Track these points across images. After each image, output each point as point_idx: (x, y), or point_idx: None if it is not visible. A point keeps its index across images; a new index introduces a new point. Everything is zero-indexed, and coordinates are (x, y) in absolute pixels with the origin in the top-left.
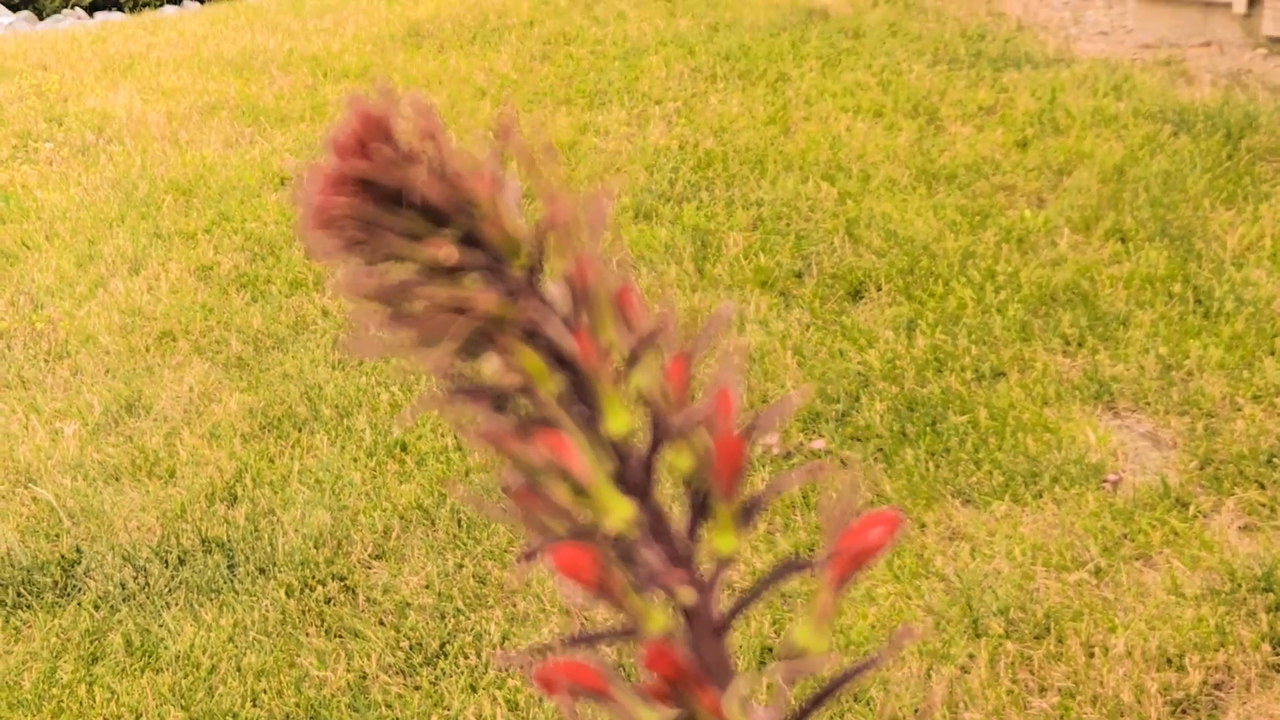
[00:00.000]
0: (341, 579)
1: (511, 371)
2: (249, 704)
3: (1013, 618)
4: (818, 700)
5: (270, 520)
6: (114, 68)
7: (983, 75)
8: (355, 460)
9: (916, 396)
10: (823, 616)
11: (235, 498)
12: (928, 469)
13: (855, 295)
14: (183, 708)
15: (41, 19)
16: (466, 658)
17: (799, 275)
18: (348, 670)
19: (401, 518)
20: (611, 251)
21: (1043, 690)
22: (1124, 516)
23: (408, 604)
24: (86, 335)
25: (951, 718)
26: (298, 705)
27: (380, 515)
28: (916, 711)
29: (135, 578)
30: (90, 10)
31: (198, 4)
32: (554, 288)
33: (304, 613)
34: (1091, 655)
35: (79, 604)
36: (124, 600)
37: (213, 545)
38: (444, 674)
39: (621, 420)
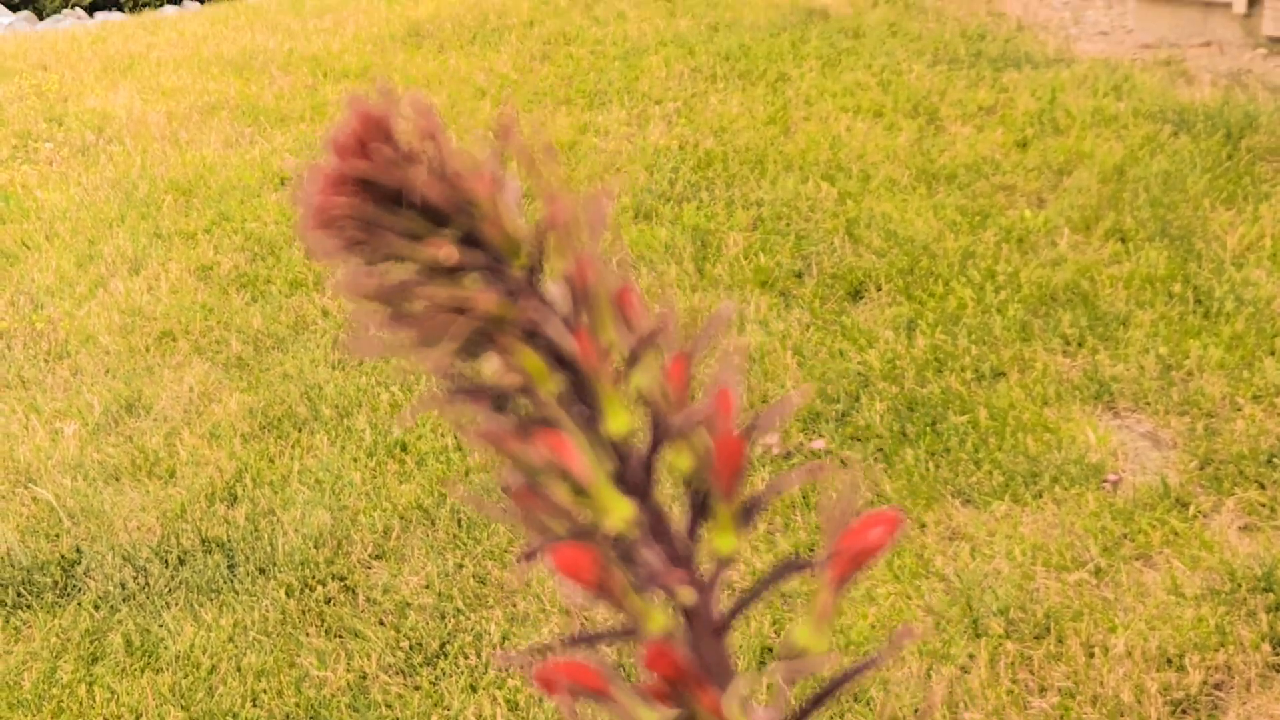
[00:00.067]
0: (341, 579)
1: (511, 371)
2: (249, 704)
3: (1013, 618)
4: (817, 700)
5: (270, 520)
6: (114, 68)
7: (983, 75)
8: (355, 460)
9: (916, 396)
10: (823, 617)
11: (235, 498)
12: (928, 469)
13: (855, 295)
14: (183, 708)
15: (41, 19)
16: (466, 658)
17: (799, 275)
18: (348, 670)
19: (401, 518)
20: (612, 251)
21: (1043, 690)
22: (1124, 516)
23: (408, 604)
24: (86, 335)
25: (952, 718)
26: (298, 705)
27: (380, 515)
28: (916, 711)
29: (135, 578)
30: (90, 10)
31: (198, 4)
32: (554, 288)
33: (304, 613)
34: (1091, 655)
35: (79, 604)
36: (124, 600)
37: (213, 545)
38: (444, 674)
39: (621, 420)
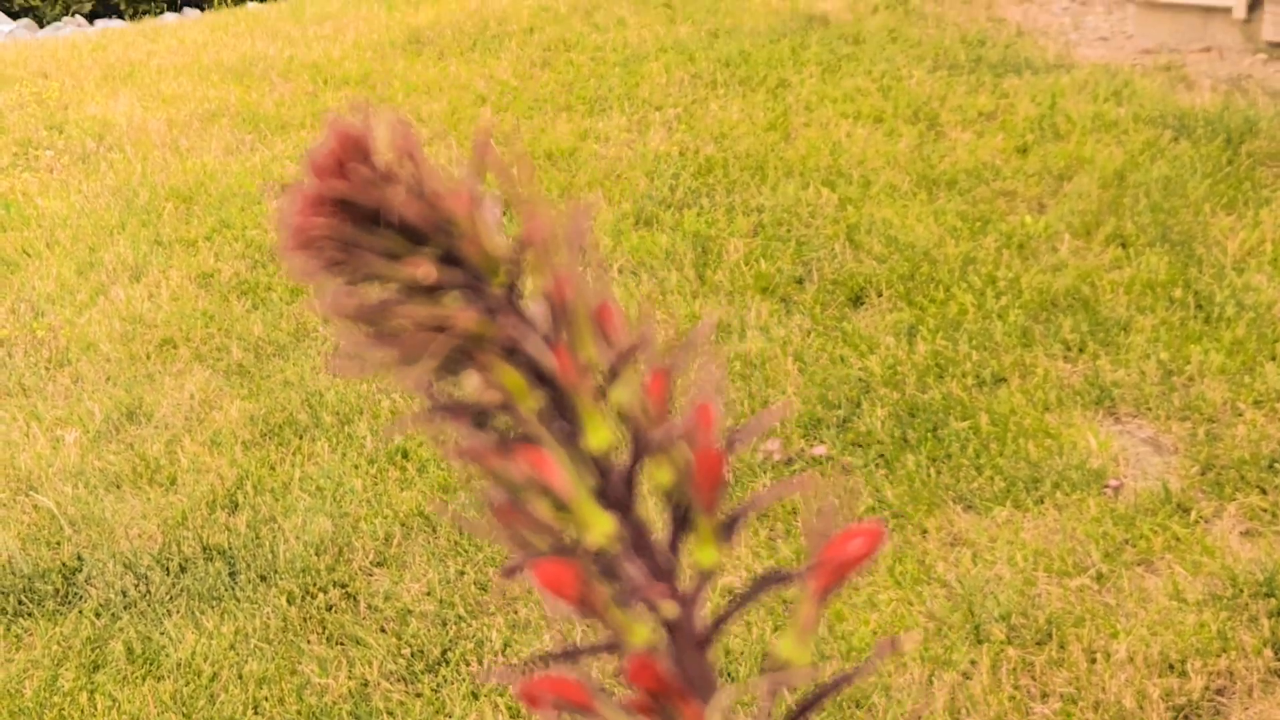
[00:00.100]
0: (343, 586)
1: (492, 388)
2: (250, 711)
3: (1014, 623)
4: (801, 711)
5: (271, 527)
6: (114, 75)
7: (983, 81)
8: (356, 467)
9: (917, 402)
10: (806, 628)
11: (236, 505)
12: (929, 475)
13: (856, 301)
14: (184, 715)
15: (42, 27)
16: (468, 665)
17: (800, 281)
18: (349, 678)
19: (403, 524)
20: (599, 262)
21: (1044, 696)
22: (1125, 522)
23: (409, 611)
24: (87, 343)
25: None
26: (299, 713)
27: (381, 522)
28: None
29: (136, 585)
30: (90, 18)
31: (198, 11)
32: (534, 305)
33: (305, 620)
34: (1093, 661)
35: (80, 612)
36: (125, 608)
37: (214, 553)
38: (445, 681)
39: (602, 435)
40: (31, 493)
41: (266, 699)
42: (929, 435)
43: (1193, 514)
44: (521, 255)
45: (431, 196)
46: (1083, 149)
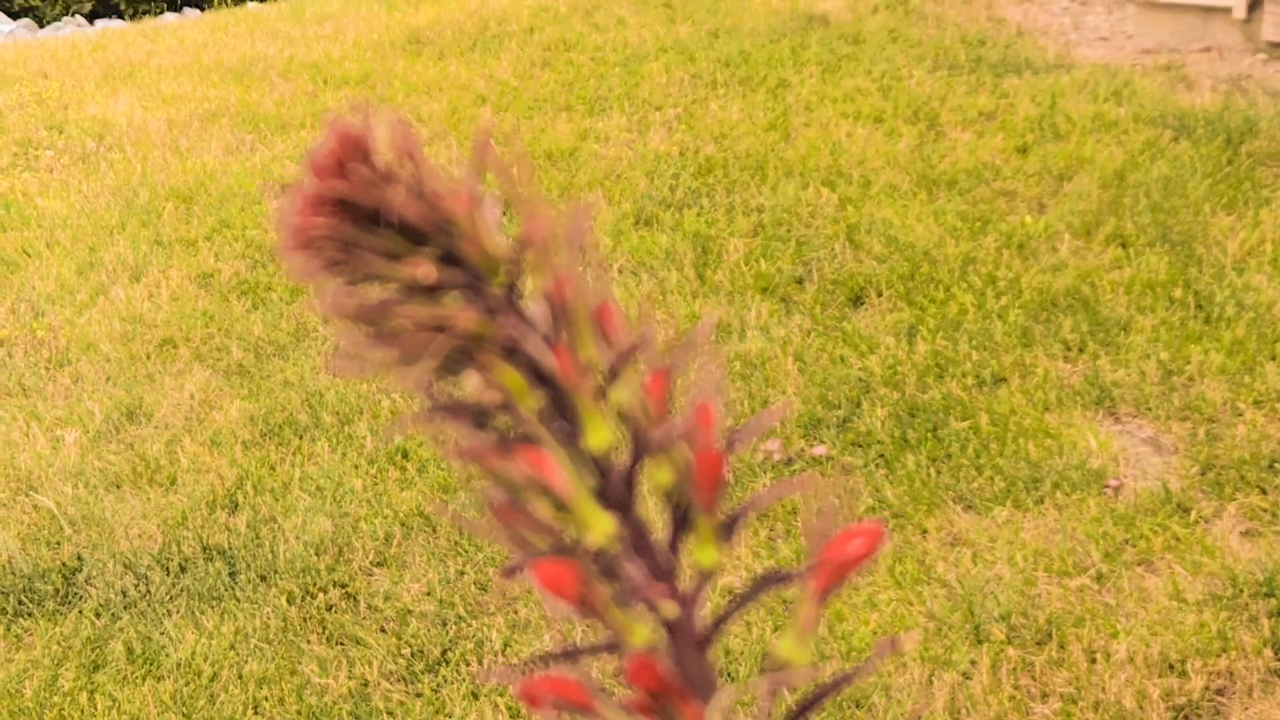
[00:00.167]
0: (343, 586)
1: (492, 388)
2: (251, 711)
3: (1014, 623)
4: (801, 711)
5: (271, 527)
6: (114, 75)
7: (983, 81)
8: (356, 467)
9: (918, 402)
10: (806, 628)
11: (236, 505)
12: (929, 475)
13: (856, 301)
14: (184, 715)
15: (42, 27)
16: (468, 665)
17: (800, 281)
18: (349, 678)
19: (403, 524)
20: (611, 259)
21: (1045, 696)
22: (1125, 522)
23: (409, 611)
24: (87, 343)
25: None
26: (299, 713)
27: (381, 522)
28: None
29: (136, 585)
30: (90, 18)
31: (198, 11)
32: (534, 305)
33: (305, 620)
34: (1093, 661)
35: (80, 612)
36: (125, 608)
37: (214, 553)
38: (445, 681)
39: (602, 435)
40: (31, 493)
41: (266, 699)
42: (929, 435)
43: (1193, 514)
44: (521, 255)
45: (431, 196)
46: (1083, 149)
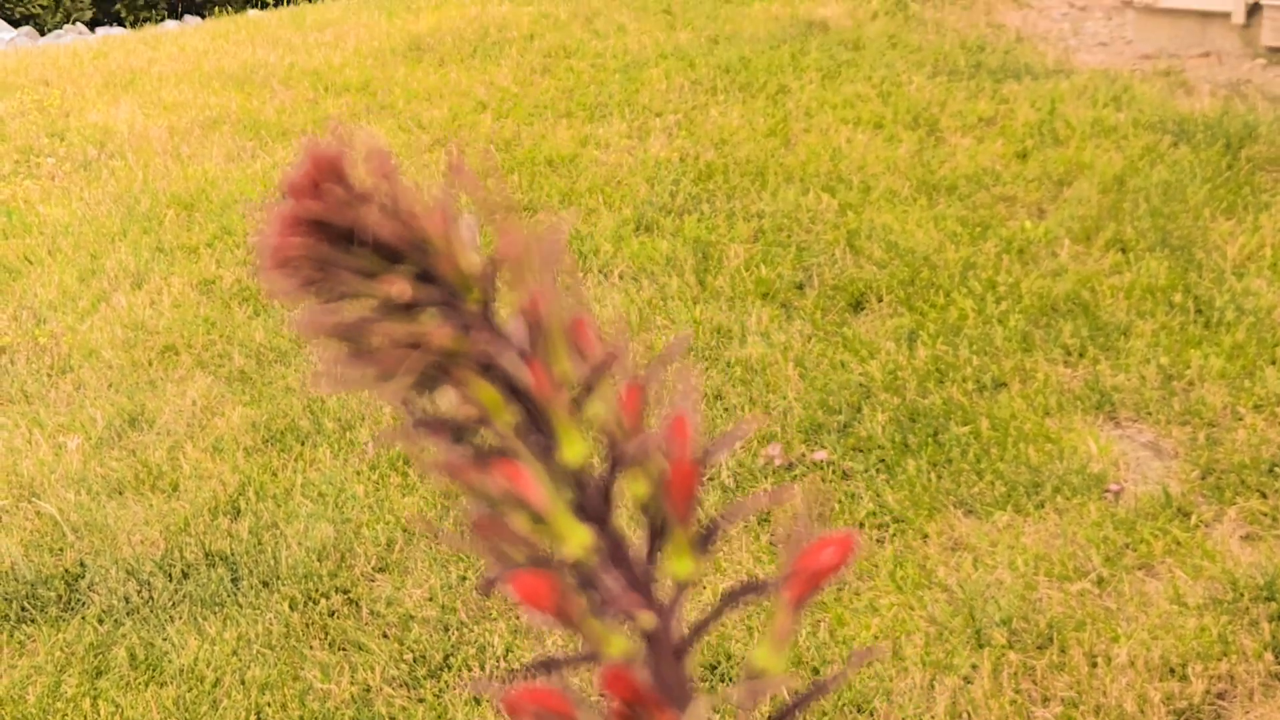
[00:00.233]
0: (345, 592)
1: (468, 404)
2: (253, 717)
3: (1015, 628)
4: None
5: (273, 533)
6: (115, 83)
7: (982, 87)
8: (358, 473)
9: (918, 407)
10: (781, 637)
11: (238, 511)
12: (930, 479)
13: (856, 306)
14: None
15: (43, 34)
16: (470, 670)
17: (800, 287)
18: (352, 683)
19: (404, 530)
20: (611, 265)
21: (1046, 700)
22: (1126, 526)
23: (411, 616)
24: (89, 350)
25: None
26: (302, 718)
27: (383, 528)
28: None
29: (139, 591)
30: (91, 25)
31: (198, 19)
32: (510, 321)
33: (308, 626)
34: (1094, 665)
35: (83, 618)
36: (128, 614)
37: (216, 559)
38: (448, 686)
39: (577, 449)
40: (34, 499)
41: (269, 705)
42: (930, 440)
43: (1193, 518)
44: (496, 272)
45: (406, 215)
46: (1082, 154)
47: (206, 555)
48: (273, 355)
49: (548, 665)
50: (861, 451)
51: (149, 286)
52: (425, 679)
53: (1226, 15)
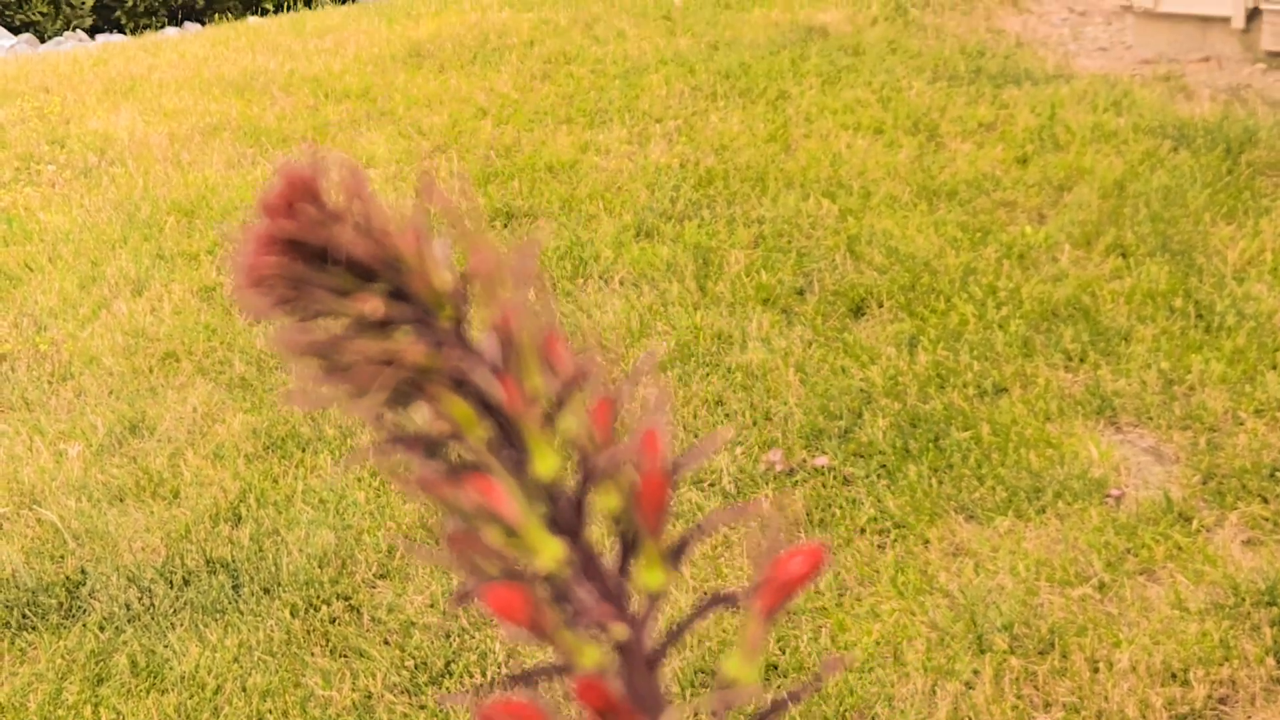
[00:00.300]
0: (346, 598)
1: (441, 419)
2: None
3: (1017, 633)
4: None
5: (274, 540)
6: (116, 90)
7: (983, 92)
8: (359, 480)
9: (919, 412)
10: (753, 647)
11: (239, 518)
12: (931, 485)
13: (857, 312)
14: None
15: (43, 42)
16: (471, 677)
17: (801, 292)
18: (353, 690)
19: (405, 536)
20: (612, 271)
21: (1047, 705)
22: (1127, 531)
23: (412, 623)
24: (90, 357)
25: None
26: None
27: (384, 534)
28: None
29: (140, 598)
30: (91, 33)
31: (199, 26)
32: (482, 337)
33: (309, 632)
34: (1096, 670)
35: (84, 625)
36: (129, 621)
37: (217, 566)
38: (449, 693)
39: (550, 463)
40: (35, 506)
41: (270, 712)
42: (931, 445)
43: (1194, 523)
44: (468, 288)
45: (379, 234)
46: (1082, 159)
47: (207, 562)
48: (273, 362)
49: (523, 678)
50: (862, 457)
51: (149, 293)
52: (427, 685)
53: (1226, 20)
